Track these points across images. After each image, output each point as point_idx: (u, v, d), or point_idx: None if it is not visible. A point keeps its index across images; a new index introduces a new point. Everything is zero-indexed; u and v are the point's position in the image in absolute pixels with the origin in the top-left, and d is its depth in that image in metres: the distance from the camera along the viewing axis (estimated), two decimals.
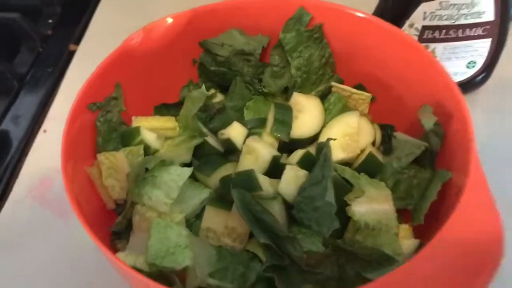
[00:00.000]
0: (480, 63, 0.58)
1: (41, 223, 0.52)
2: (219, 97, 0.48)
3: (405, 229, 0.40)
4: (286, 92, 0.48)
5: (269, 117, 0.44)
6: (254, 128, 0.44)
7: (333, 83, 0.47)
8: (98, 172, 0.40)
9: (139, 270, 0.34)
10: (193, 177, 0.41)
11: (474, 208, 0.33)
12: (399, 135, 0.42)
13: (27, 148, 0.58)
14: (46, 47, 0.68)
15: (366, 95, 0.46)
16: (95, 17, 0.71)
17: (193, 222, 0.38)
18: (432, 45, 0.55)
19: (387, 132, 0.45)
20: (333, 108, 0.45)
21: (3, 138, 0.59)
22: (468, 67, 0.58)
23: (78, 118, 0.39)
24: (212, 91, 0.47)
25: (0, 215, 0.52)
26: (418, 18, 0.52)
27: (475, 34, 0.54)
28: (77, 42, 0.68)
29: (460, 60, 0.57)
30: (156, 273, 0.34)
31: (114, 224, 0.39)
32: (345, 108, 0.46)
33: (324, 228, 0.35)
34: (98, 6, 0.72)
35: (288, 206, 0.38)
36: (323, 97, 0.47)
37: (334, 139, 0.40)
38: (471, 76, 0.59)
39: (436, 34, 0.54)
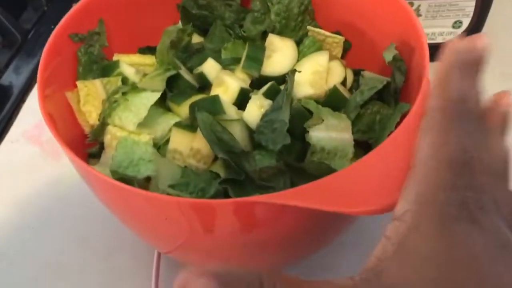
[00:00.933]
0: (466, 23, 0.58)
1: (33, 161, 0.55)
2: (199, 39, 0.50)
3: None
4: (265, 37, 0.50)
5: (243, 55, 0.46)
6: (229, 65, 0.46)
7: (308, 27, 0.48)
8: (77, 98, 0.43)
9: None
10: (167, 109, 0.43)
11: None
12: (366, 73, 0.44)
13: (25, 96, 0.61)
14: (50, 6, 0.72)
15: (339, 38, 0.47)
16: None
17: (161, 145, 0.41)
18: (417, 3, 0.56)
19: (357, 75, 0.47)
20: (307, 50, 0.47)
21: (5, 87, 0.62)
22: (454, 26, 0.59)
23: (59, 45, 0.42)
24: (188, 26, 0.49)
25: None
26: None
27: None
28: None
29: (445, 19, 0.58)
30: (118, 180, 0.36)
31: (87, 141, 0.41)
32: (319, 51, 0.47)
33: (277, 145, 0.37)
34: None
35: (253, 133, 0.40)
36: (300, 42, 0.49)
37: (300, 71, 0.42)
38: (458, 36, 0.59)
39: None
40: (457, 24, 0.58)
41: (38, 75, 0.40)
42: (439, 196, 0.25)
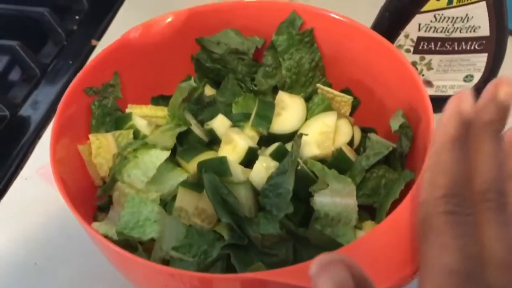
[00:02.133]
0: (477, 77, 0.58)
1: (45, 199, 0.56)
2: (212, 92, 0.51)
3: (369, 225, 0.41)
4: (276, 92, 0.51)
5: (253, 112, 0.47)
6: (239, 121, 0.47)
7: (318, 85, 0.49)
8: (88, 150, 0.44)
9: (109, 238, 0.37)
10: (176, 164, 0.44)
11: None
12: (373, 135, 0.44)
13: (42, 131, 0.63)
14: (70, 41, 0.73)
15: (348, 98, 0.48)
16: (118, 15, 0.76)
17: (168, 202, 0.41)
18: (428, 57, 0.56)
19: (365, 134, 0.47)
20: (316, 108, 0.48)
21: (22, 121, 0.64)
22: (465, 80, 0.59)
23: (74, 100, 0.43)
24: (200, 83, 0.50)
25: (10, 189, 0.57)
26: (413, 29, 0.53)
27: (471, 48, 0.55)
28: (99, 38, 0.73)
29: (457, 73, 0.58)
30: (123, 242, 0.37)
31: (96, 196, 0.42)
32: (328, 109, 0.48)
33: (280, 213, 0.37)
34: (122, 5, 0.78)
35: (258, 194, 0.41)
36: (309, 98, 0.49)
37: (306, 134, 0.42)
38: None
39: (432, 45, 0.55)
40: (468, 78, 0.58)
41: (52, 128, 0.41)
42: None
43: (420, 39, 0.54)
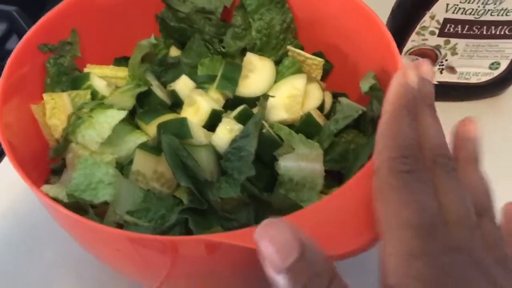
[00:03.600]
0: (504, 64, 0.55)
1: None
2: (177, 53, 0.49)
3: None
4: (245, 54, 0.48)
5: (218, 74, 0.45)
6: (203, 83, 0.45)
7: (288, 47, 0.47)
8: (42, 111, 0.41)
9: (60, 201, 0.35)
10: (135, 126, 0.42)
11: None
12: (343, 99, 0.42)
13: None
14: None
15: (319, 60, 0.46)
16: None
17: (125, 166, 0.39)
18: (454, 40, 0.52)
19: (336, 99, 0.45)
20: (286, 71, 0.46)
21: None
22: (491, 68, 0.55)
23: (26, 57, 0.40)
24: (161, 41, 0.48)
25: None
26: (440, 9, 0.49)
27: (501, 33, 0.51)
28: None
29: (483, 59, 0.54)
30: (73, 204, 0.35)
31: (48, 158, 0.40)
32: (298, 72, 0.46)
33: (242, 176, 0.35)
34: None
35: (221, 158, 0.39)
36: (280, 61, 0.47)
37: (273, 96, 0.40)
38: (494, 78, 0.56)
39: (459, 28, 0.51)
40: (494, 65, 0.55)
41: (0, 89, 0.38)
42: (413, 268, 0.24)
43: (446, 21, 0.50)
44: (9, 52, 0.39)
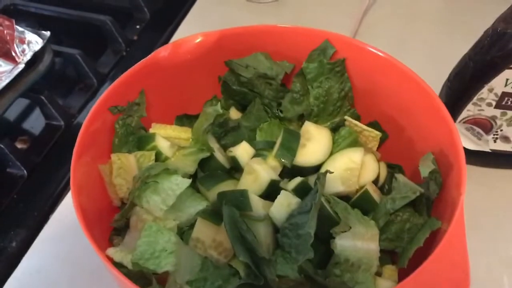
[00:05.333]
0: None
1: None
2: (237, 115, 0.50)
3: (390, 270, 0.40)
4: (302, 119, 0.50)
5: (277, 141, 0.46)
6: (262, 150, 0.46)
7: (346, 117, 0.48)
8: (109, 170, 0.43)
9: (124, 267, 0.37)
10: (196, 189, 0.44)
11: (448, 260, 0.33)
12: (400, 177, 0.43)
13: None
14: (129, 51, 0.73)
15: (376, 133, 0.46)
16: (180, 29, 0.75)
17: (186, 231, 0.41)
18: (511, 112, 0.52)
19: (394, 172, 0.46)
20: (342, 141, 0.46)
21: (76, 131, 0.62)
22: None
23: (98, 119, 0.43)
24: (232, 110, 0.49)
25: (61, 206, 0.56)
26: (499, 83, 0.49)
27: None
28: None
29: None
30: (138, 273, 0.36)
31: (114, 220, 0.42)
32: (354, 143, 0.46)
33: (300, 256, 0.36)
34: (184, 18, 0.76)
35: (277, 230, 0.40)
36: (336, 129, 0.48)
37: (332, 172, 0.41)
38: None
39: None
40: None
41: (75, 146, 0.40)
42: None
43: (505, 95, 0.50)
44: (68, 92, 0.38)
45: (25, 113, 0.70)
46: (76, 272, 0.51)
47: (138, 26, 0.77)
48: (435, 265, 0.34)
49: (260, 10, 0.78)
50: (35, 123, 0.68)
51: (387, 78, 0.46)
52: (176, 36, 0.73)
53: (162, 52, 0.46)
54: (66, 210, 0.57)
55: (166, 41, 0.73)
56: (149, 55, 0.46)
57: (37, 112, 0.68)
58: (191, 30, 0.49)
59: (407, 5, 0.77)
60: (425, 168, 0.40)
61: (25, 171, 0.60)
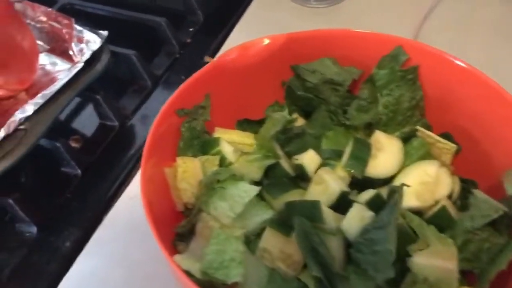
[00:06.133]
0: None
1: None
2: (300, 122, 0.49)
3: None
4: (369, 128, 0.48)
5: (346, 150, 0.44)
6: (329, 159, 0.44)
7: (418, 127, 0.46)
8: (174, 173, 0.42)
9: (192, 276, 0.35)
10: (260, 196, 0.42)
11: None
12: (478, 193, 0.40)
13: None
14: (183, 54, 0.72)
15: (451, 146, 0.44)
16: (233, 33, 0.74)
17: (252, 240, 0.39)
18: None
19: (467, 187, 0.43)
20: (414, 153, 0.44)
21: (130, 132, 0.63)
22: None
23: (166, 121, 0.42)
24: (294, 115, 0.48)
25: (114, 207, 0.56)
26: None
27: None
28: (213, 54, 0.70)
29: None
30: (206, 282, 0.35)
31: (179, 225, 0.41)
32: (427, 155, 0.44)
33: (379, 275, 0.34)
34: (238, 21, 0.75)
35: (348, 244, 0.38)
36: (406, 139, 0.46)
37: (409, 186, 0.39)
38: None
39: None
40: None
41: (145, 147, 0.40)
42: None
43: None
44: (123, 93, 0.37)
45: (77, 113, 0.70)
46: (130, 275, 0.50)
47: (191, 29, 0.76)
48: None
49: (314, 14, 0.76)
50: (87, 122, 0.68)
51: (463, 87, 0.44)
52: (230, 40, 0.72)
53: (228, 55, 0.45)
54: (120, 211, 0.56)
55: (220, 44, 0.72)
56: (215, 58, 0.45)
57: (88, 111, 0.68)
58: (245, 34, 0.48)
59: (467, 13, 0.74)
60: (511, 186, 0.37)
61: (79, 170, 0.59)
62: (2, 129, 0.53)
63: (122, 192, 0.57)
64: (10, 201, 0.55)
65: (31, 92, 0.62)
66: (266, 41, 0.46)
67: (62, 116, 0.69)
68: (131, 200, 0.56)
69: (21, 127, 0.54)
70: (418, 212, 0.41)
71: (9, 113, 0.57)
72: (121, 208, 0.56)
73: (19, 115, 0.55)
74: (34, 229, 0.55)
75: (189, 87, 0.43)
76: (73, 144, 0.64)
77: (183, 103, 0.44)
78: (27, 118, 0.54)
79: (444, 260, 0.37)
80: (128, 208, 0.56)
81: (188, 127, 0.44)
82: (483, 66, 0.48)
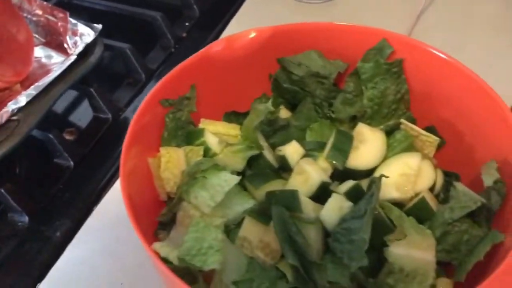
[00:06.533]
0: None
1: None
2: (286, 114, 0.49)
3: (445, 283, 0.38)
4: (354, 120, 0.48)
5: (328, 142, 0.44)
6: (312, 150, 0.44)
7: (402, 120, 0.46)
8: (157, 163, 0.43)
9: (169, 263, 0.36)
10: (242, 186, 0.43)
11: None
12: (459, 185, 0.40)
13: None
14: (178, 48, 0.73)
15: (434, 139, 0.44)
16: (228, 27, 0.74)
17: (232, 229, 0.40)
18: None
19: (449, 180, 0.44)
20: (397, 145, 0.44)
21: (123, 125, 0.64)
22: None
23: (149, 110, 0.42)
24: (280, 108, 0.48)
25: (105, 197, 0.56)
26: None
27: None
28: None
29: None
30: (184, 269, 0.36)
31: (160, 214, 0.41)
32: (410, 148, 0.44)
33: (353, 263, 0.34)
34: (234, 16, 0.76)
35: (326, 234, 0.38)
36: (390, 132, 0.46)
37: (387, 177, 0.39)
38: None
39: None
40: None
41: (126, 138, 0.40)
42: None
43: None
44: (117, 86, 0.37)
45: (73, 105, 0.71)
46: (119, 265, 0.51)
47: (187, 24, 0.76)
48: (497, 284, 0.32)
49: (310, 10, 0.76)
50: (82, 115, 0.68)
51: (448, 81, 0.44)
52: (225, 35, 0.73)
53: (215, 47, 0.46)
54: (110, 203, 0.57)
55: (215, 39, 0.73)
56: (202, 49, 0.45)
57: (84, 104, 0.69)
58: (239, 29, 0.48)
59: (464, 9, 0.74)
60: (489, 177, 0.37)
61: (72, 162, 0.60)
62: None
63: (113, 183, 0.58)
64: (3, 191, 0.55)
65: (26, 84, 0.62)
66: (253, 34, 0.47)
67: (59, 109, 0.70)
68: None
69: (14, 117, 0.55)
70: (398, 204, 0.41)
71: (3, 104, 0.58)
72: (111, 199, 0.57)
73: (11, 106, 0.55)
74: (26, 219, 0.56)
75: (174, 78, 0.44)
76: (67, 137, 0.65)
77: (168, 94, 0.44)
78: (20, 109, 0.55)
79: (422, 251, 0.37)
80: (118, 199, 0.56)
81: (173, 118, 0.44)
82: (479, 63, 0.49)
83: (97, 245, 0.53)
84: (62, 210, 0.57)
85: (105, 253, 0.52)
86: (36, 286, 0.51)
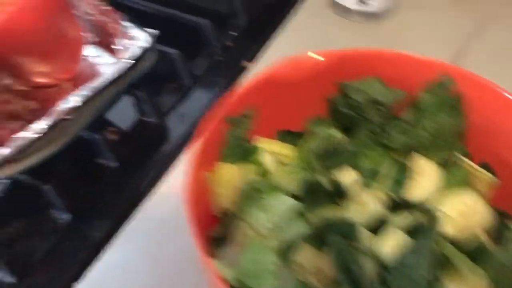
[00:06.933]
0: None
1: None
2: (341, 137, 0.49)
3: None
4: (408, 150, 0.48)
5: (384, 171, 0.44)
6: (368, 178, 0.44)
7: (458, 155, 0.46)
8: (213, 178, 0.43)
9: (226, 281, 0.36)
10: (297, 210, 0.43)
11: None
12: None
13: (183, 147, 0.60)
14: (223, 57, 0.72)
15: (491, 178, 0.44)
16: (276, 40, 0.74)
17: (285, 252, 0.40)
18: None
19: (502, 219, 0.43)
20: (452, 180, 0.44)
21: (166, 130, 0.64)
22: None
23: (216, 127, 0.43)
24: (336, 133, 0.48)
25: (146, 202, 0.57)
26: None
27: None
28: (251, 59, 0.70)
29: None
30: None
31: (215, 230, 0.42)
32: (465, 184, 0.44)
33: None
34: (280, 29, 0.75)
35: (382, 266, 0.38)
36: (444, 165, 0.46)
37: (447, 213, 0.39)
38: None
39: None
40: None
41: (198, 149, 0.40)
42: None
43: None
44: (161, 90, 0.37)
45: (115, 106, 0.71)
46: (158, 271, 0.51)
47: (233, 33, 0.77)
48: None
49: (354, 28, 0.76)
50: (124, 115, 0.69)
51: (508, 120, 0.44)
52: (270, 47, 0.73)
53: (280, 67, 0.46)
54: (151, 207, 0.57)
55: (260, 51, 0.73)
56: (267, 69, 0.46)
57: (124, 104, 0.69)
58: (287, 43, 0.48)
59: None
60: None
61: (115, 162, 0.61)
62: (48, 118, 0.54)
63: (155, 187, 0.58)
64: (47, 187, 0.56)
65: (75, 82, 0.63)
66: (321, 58, 0.47)
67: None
68: (163, 196, 0.57)
69: (67, 117, 0.55)
70: (452, 242, 0.41)
71: (51, 101, 0.59)
72: (153, 204, 0.57)
73: (63, 105, 0.56)
74: (67, 216, 0.56)
75: (240, 96, 0.44)
76: (110, 136, 0.66)
77: (232, 111, 0.45)
78: (74, 109, 0.55)
79: None
80: (160, 204, 0.57)
81: (233, 135, 0.45)
82: None
83: (136, 249, 0.54)
84: (103, 210, 0.57)
85: (144, 258, 0.53)
86: (71, 285, 0.51)
